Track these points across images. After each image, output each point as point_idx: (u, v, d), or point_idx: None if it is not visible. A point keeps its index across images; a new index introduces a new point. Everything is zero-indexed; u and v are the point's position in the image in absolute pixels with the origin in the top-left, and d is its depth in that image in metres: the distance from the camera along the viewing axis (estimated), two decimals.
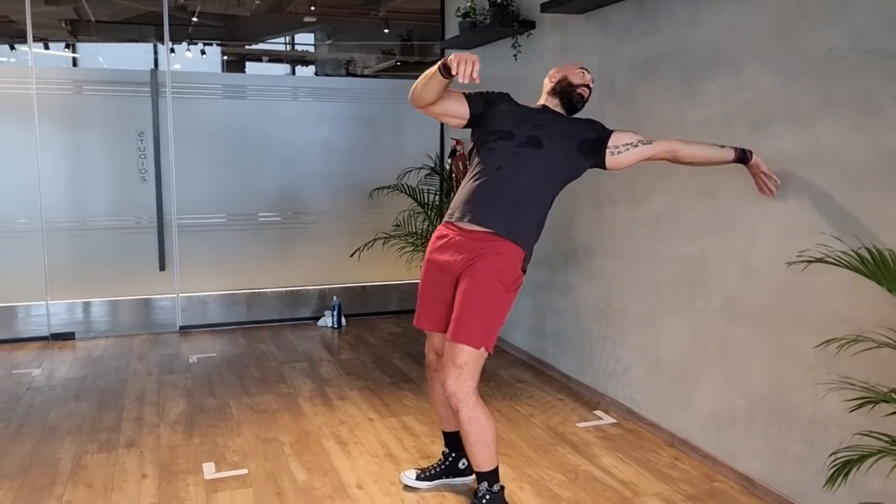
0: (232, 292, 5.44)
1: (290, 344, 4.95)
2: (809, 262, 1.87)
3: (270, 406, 3.73)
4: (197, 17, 9.15)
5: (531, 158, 2.52)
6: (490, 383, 4.11)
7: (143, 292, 5.14)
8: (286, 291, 5.55)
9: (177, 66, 11.81)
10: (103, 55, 10.31)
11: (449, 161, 5.01)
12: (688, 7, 3.06)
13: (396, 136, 5.54)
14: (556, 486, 2.86)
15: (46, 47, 10.96)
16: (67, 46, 10.53)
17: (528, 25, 4.25)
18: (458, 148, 5.12)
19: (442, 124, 5.70)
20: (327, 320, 5.39)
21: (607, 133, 2.62)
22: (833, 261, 1.77)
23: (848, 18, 2.36)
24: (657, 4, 3.25)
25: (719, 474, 2.96)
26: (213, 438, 3.30)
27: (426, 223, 4.38)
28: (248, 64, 12.19)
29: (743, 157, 2.62)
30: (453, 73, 2.30)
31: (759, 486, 2.78)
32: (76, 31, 9.16)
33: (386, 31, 9.61)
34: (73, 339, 4.98)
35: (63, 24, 8.62)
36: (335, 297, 5.38)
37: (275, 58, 12.66)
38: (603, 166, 2.62)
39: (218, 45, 11.27)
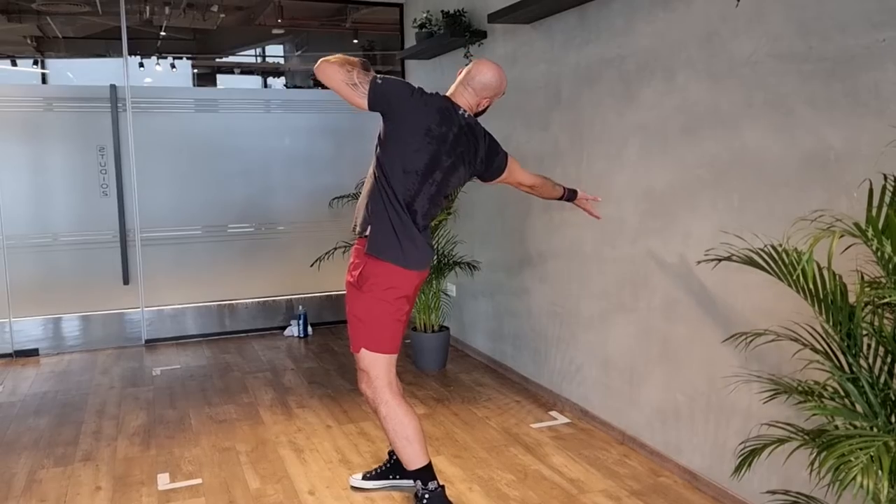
0: (198, 305, 5.45)
1: (255, 354, 4.99)
2: (717, 260, 1.95)
3: (230, 416, 3.76)
4: (165, 31, 9.15)
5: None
6: (450, 388, 4.17)
7: (108, 307, 5.15)
8: (253, 302, 5.59)
9: (148, 80, 11.79)
10: (73, 71, 10.28)
11: None
12: (624, 16, 3.16)
13: (361, 145, 5.60)
14: (505, 486, 2.93)
15: (14, 64, 10.91)
16: (35, 63, 10.49)
17: (480, 35, 4.33)
18: None
19: None
20: (293, 330, 5.42)
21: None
22: (737, 259, 1.85)
23: (764, 25, 2.45)
24: (597, 14, 3.34)
25: (665, 469, 3.04)
26: (170, 449, 3.33)
27: None
28: (219, 76, 12.16)
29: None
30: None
31: (702, 480, 2.85)
32: (42, 47, 9.14)
33: (355, 41, 9.67)
34: (38, 355, 4.99)
35: (28, 41, 8.61)
36: (300, 307, 5.42)
37: (246, 70, 12.67)
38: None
39: (188, 58, 11.25)
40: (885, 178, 1.66)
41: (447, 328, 4.60)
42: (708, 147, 2.73)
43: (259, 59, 11.90)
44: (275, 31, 9.55)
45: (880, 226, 1.57)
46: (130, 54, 11.24)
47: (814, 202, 2.32)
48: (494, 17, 3.83)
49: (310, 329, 5.46)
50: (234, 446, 3.36)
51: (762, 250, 1.89)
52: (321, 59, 2.46)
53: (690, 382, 2.91)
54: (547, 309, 3.92)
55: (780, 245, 1.79)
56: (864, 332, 1.70)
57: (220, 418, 3.73)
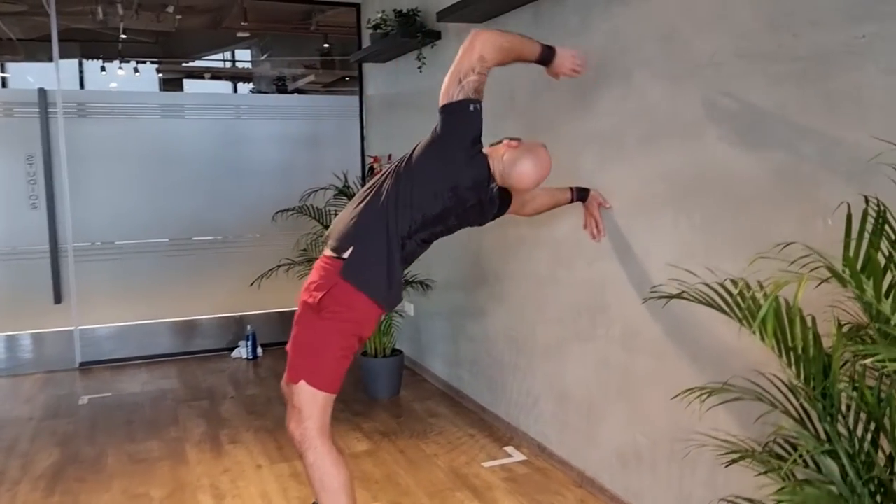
0: (139, 324, 5.09)
1: (196, 379, 4.63)
2: (667, 298, 1.63)
3: (152, 454, 3.40)
4: (125, 34, 8.79)
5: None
6: (400, 419, 3.83)
7: (38, 327, 4.78)
8: (200, 321, 5.23)
9: (113, 85, 11.43)
10: (33, 75, 9.88)
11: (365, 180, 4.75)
12: (579, 13, 2.84)
13: (318, 154, 5.26)
14: None
15: None
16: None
17: (433, 36, 4.01)
18: (375, 165, 4.87)
19: (363, 139, 5.45)
20: (241, 351, 5.07)
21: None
22: (689, 297, 1.54)
23: (728, 20, 2.14)
24: (551, 11, 3.02)
25: None
26: (77, 496, 2.97)
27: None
28: (187, 82, 11.80)
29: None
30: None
31: None
32: None
33: (326, 45, 9.35)
34: None
35: None
36: (248, 327, 5.07)
37: (216, 75, 12.31)
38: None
39: (152, 62, 10.89)
40: (867, 201, 1.34)
41: (400, 352, 4.26)
42: (668, 158, 2.41)
43: (227, 64, 11.52)
44: (240, 35, 9.22)
45: (859, 263, 1.25)
46: (89, 58, 10.86)
47: (786, 223, 2.00)
48: (444, 15, 3.51)
49: (259, 350, 5.11)
50: (149, 492, 3.00)
51: (721, 285, 1.57)
52: (488, 30, 2.31)
53: (652, 423, 2.59)
54: (503, 333, 3.59)
55: (740, 282, 1.47)
56: (843, 389, 1.39)
57: (141, 457, 3.37)
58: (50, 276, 4.72)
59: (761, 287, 1.68)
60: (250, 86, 11.53)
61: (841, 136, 1.83)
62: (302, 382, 2.24)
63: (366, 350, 4.17)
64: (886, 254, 1.35)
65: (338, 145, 5.43)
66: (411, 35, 3.99)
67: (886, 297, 1.23)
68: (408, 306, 4.70)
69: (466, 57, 2.25)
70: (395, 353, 4.22)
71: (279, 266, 4.17)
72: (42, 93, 4.64)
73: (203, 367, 4.92)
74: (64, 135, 4.66)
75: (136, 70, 10.75)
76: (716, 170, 2.23)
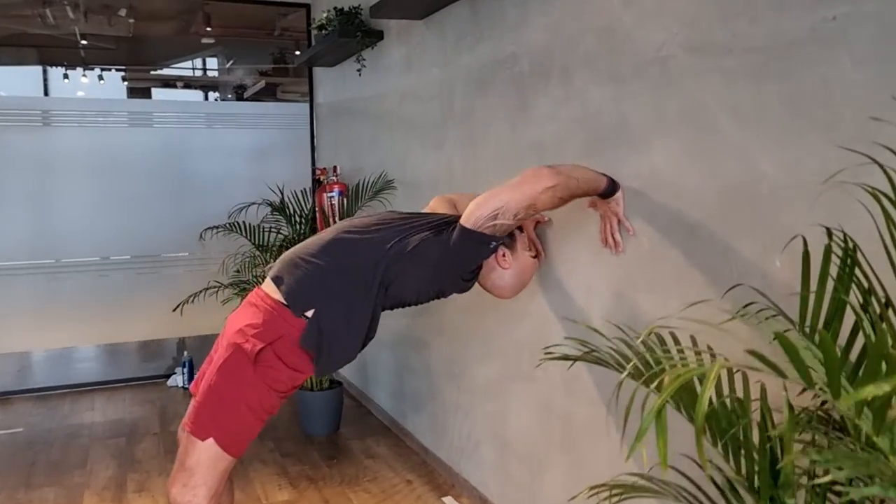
0: (66, 349, 4.68)
1: (120, 412, 4.22)
2: (561, 359, 1.26)
3: None
4: (84, 39, 8.41)
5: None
6: (334, 460, 3.43)
7: None
8: (133, 345, 4.82)
9: (80, 94, 11.02)
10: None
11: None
12: (517, 6, 2.47)
13: (266, 165, 4.87)
14: None
15: None
16: None
17: (375, 36, 3.64)
18: (322, 178, 4.48)
19: (313, 149, 5.07)
20: (177, 379, 4.66)
21: None
22: (592, 359, 1.17)
23: (675, 4, 1.77)
24: (489, 5, 2.65)
25: None
26: None
27: (263, 267, 3.71)
28: (157, 90, 11.41)
29: (612, 189, 1.99)
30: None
31: None
32: None
33: (297, 52, 8.96)
34: None
35: None
36: (185, 353, 4.66)
37: (188, 84, 11.93)
38: (459, 230, 2.13)
39: (117, 70, 10.50)
40: (830, 234, 0.96)
41: (339, 384, 3.86)
42: (612, 171, 2.04)
43: (196, 72, 11.16)
44: (205, 41, 8.86)
45: (821, 320, 0.87)
46: (49, 65, 10.45)
47: (741, 254, 1.63)
48: (378, 10, 3.14)
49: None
50: None
51: (645, 343, 1.20)
52: (560, 173, 1.88)
53: (597, 480, 2.20)
54: (445, 369, 3.20)
55: (651, 344, 1.09)
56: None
57: None
58: None
59: (694, 345, 1.32)
60: (216, 94, 11.13)
61: (805, 145, 1.46)
62: (210, 441, 1.85)
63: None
64: (858, 306, 0.98)
65: (288, 156, 5.04)
66: (350, 34, 3.62)
67: (851, 379, 0.85)
68: None
69: (518, 197, 1.90)
70: (335, 385, 3.82)
71: (206, 289, 3.77)
72: None
73: (134, 396, 4.51)
74: None
75: (100, 77, 10.34)
76: (663, 187, 1.86)
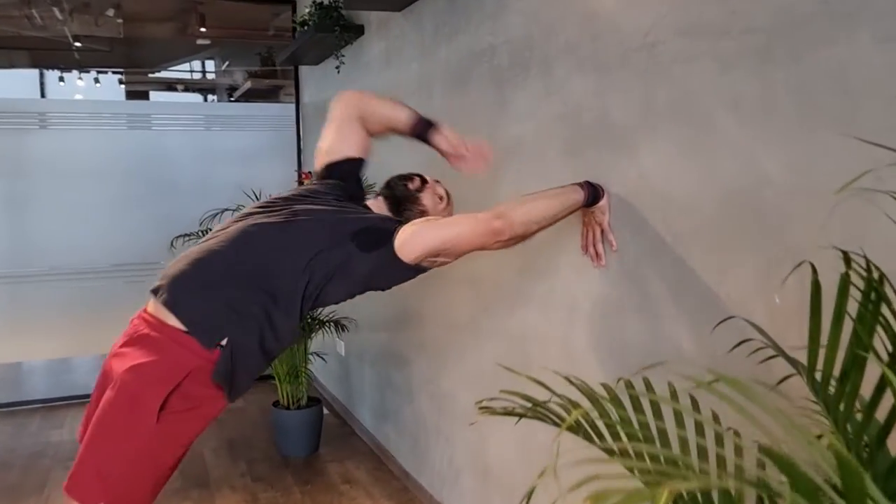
0: (46, 361, 4.47)
1: None
2: (504, 415, 1.02)
3: None
4: (77, 41, 8.23)
5: (267, 232, 1.79)
6: (307, 487, 3.18)
7: None
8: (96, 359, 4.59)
9: (78, 97, 10.87)
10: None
11: None
12: None
13: (249, 169, 4.64)
14: None
15: None
16: None
17: (355, 31, 3.40)
18: (306, 182, 4.24)
19: (300, 152, 4.84)
20: None
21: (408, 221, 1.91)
22: (537, 416, 0.93)
23: None
24: None
25: None
26: None
27: None
28: (155, 94, 11.25)
29: (594, 196, 1.73)
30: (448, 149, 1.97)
31: None
32: None
33: (266, 51, 8.75)
34: None
35: None
36: None
37: (191, 86, 11.77)
38: (391, 256, 1.82)
39: (114, 73, 10.33)
40: (848, 260, 0.71)
41: (318, 401, 3.62)
42: (595, 175, 1.79)
43: (194, 75, 10.99)
44: (200, 42, 8.68)
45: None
46: (46, 67, 10.30)
47: (738, 275, 1.38)
48: (353, 2, 2.90)
49: None
50: None
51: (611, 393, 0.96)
52: (505, 223, 1.68)
53: None
54: (426, 388, 2.95)
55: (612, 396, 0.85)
56: None
57: None
58: None
59: (673, 394, 1.08)
60: (214, 97, 10.96)
61: (817, 140, 1.21)
62: None
63: (277, 400, 3.54)
64: (886, 356, 0.72)
65: (274, 158, 4.80)
66: (327, 29, 3.38)
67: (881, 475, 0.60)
68: (339, 344, 4.07)
69: (469, 241, 1.71)
70: (313, 402, 3.58)
71: None
72: None
73: None
74: None
75: (96, 80, 10.19)
76: (651, 194, 1.61)
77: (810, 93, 1.22)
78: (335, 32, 3.38)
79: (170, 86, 11.56)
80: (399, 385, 3.24)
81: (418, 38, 2.81)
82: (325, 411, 4.12)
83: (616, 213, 1.72)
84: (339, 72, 3.53)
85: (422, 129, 1.95)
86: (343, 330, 3.52)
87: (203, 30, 8.22)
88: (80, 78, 10.04)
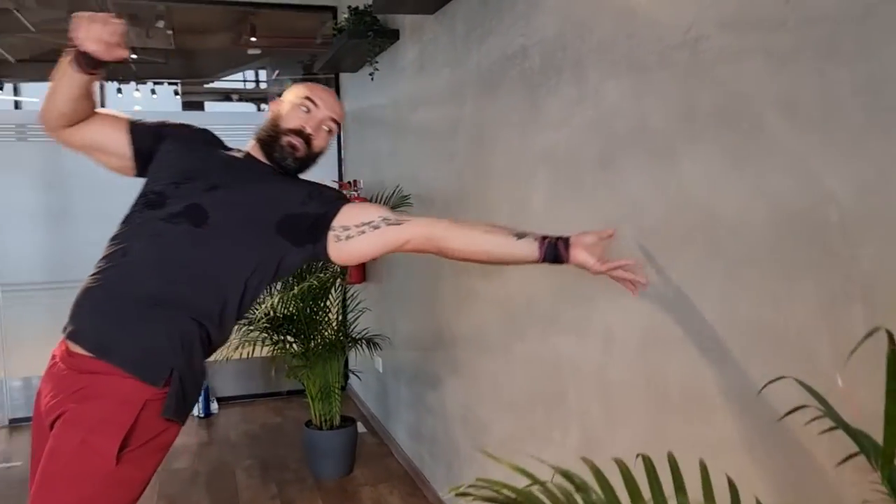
0: None
1: None
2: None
3: None
4: (135, 54, 8.38)
5: (180, 243, 1.53)
6: None
7: None
8: None
9: (137, 108, 11.09)
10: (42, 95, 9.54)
11: None
12: None
13: None
14: None
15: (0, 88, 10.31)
16: (0, 88, 9.86)
17: (389, 35, 3.27)
18: (346, 192, 4.14)
19: (340, 162, 4.74)
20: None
21: (335, 206, 1.60)
22: None
23: None
24: None
25: None
26: None
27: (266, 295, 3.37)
28: (209, 104, 11.40)
29: (554, 253, 1.47)
30: (80, 43, 1.41)
31: None
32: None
33: (310, 59, 8.71)
34: None
35: None
36: None
37: (245, 97, 11.90)
38: (324, 257, 1.61)
39: (169, 83, 10.50)
40: None
41: (352, 421, 3.48)
42: (632, 189, 1.60)
43: (248, 84, 11.11)
44: (251, 52, 8.73)
45: None
46: (106, 80, 10.56)
47: (795, 313, 1.17)
48: (383, 6, 2.76)
49: (214, 405, 4.42)
50: None
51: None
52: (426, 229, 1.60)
53: None
54: (459, 413, 2.78)
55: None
56: None
57: None
58: None
59: (704, 471, 0.91)
60: (267, 106, 11.04)
61: (892, 152, 1.00)
62: None
63: (310, 420, 3.42)
64: None
65: (316, 168, 4.71)
66: (360, 35, 3.26)
67: None
68: (376, 360, 3.93)
69: (403, 244, 1.59)
70: (347, 422, 3.45)
71: None
72: None
73: None
74: None
75: (153, 92, 10.36)
76: (693, 209, 1.41)
77: (882, 94, 1.01)
78: (369, 38, 3.25)
79: (227, 96, 11.72)
80: (433, 407, 3.07)
81: (450, 42, 2.65)
82: (363, 429, 3.99)
83: (655, 232, 1.52)
84: (372, 78, 3.40)
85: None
86: (376, 348, 3.38)
87: (253, 39, 8.25)
88: (137, 90, 10.26)
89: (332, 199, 1.63)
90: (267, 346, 3.24)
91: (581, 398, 1.87)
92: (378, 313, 3.82)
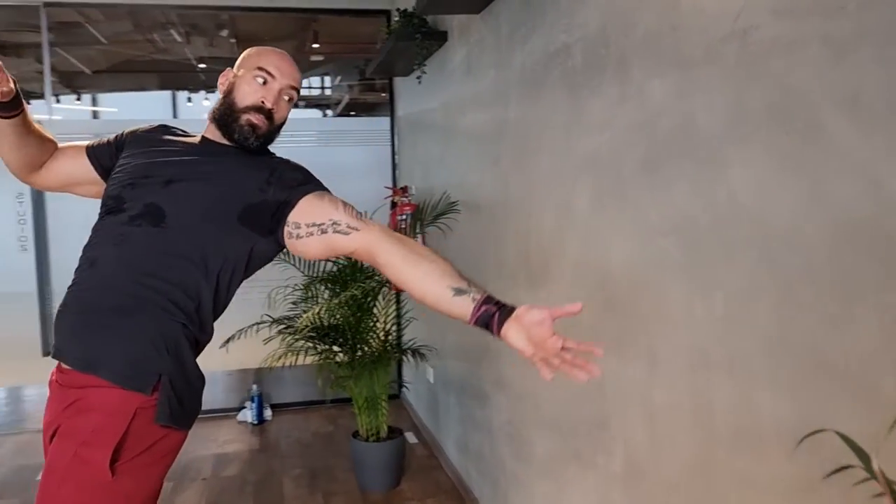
0: None
1: (184, 448, 3.97)
2: None
3: None
4: (203, 63, 8.59)
5: (143, 244, 1.46)
6: None
7: (22, 381, 4.34)
8: (218, 374, 4.59)
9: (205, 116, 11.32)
10: (120, 105, 9.95)
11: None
12: None
13: (343, 186, 4.53)
14: None
15: (78, 98, 10.74)
16: (78, 98, 10.25)
17: (437, 37, 3.18)
18: (396, 199, 4.07)
19: (394, 168, 4.68)
20: (247, 414, 4.39)
21: (295, 195, 1.50)
22: None
23: None
24: None
25: None
26: None
27: (310, 303, 3.32)
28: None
29: (487, 323, 1.30)
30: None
31: None
32: (72, 82, 8.82)
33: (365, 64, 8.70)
34: None
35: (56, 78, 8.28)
36: (254, 386, 4.38)
37: (312, 103, 12.05)
38: (282, 246, 1.54)
39: None
40: None
41: (399, 433, 3.40)
42: (677, 197, 1.46)
43: (313, 91, 11.25)
44: (313, 59, 8.82)
45: None
46: (170, 89, 10.83)
47: (860, 328, 1.02)
48: (426, 5, 2.68)
49: (267, 412, 4.41)
50: None
51: None
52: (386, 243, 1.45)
53: None
54: (504, 429, 2.66)
55: None
56: None
57: None
58: (39, 327, 4.25)
59: None
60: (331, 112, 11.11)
61: None
62: None
63: (356, 430, 3.35)
64: None
65: (368, 174, 4.67)
66: (408, 37, 3.18)
67: None
68: (427, 370, 3.84)
69: (352, 250, 1.48)
70: (394, 433, 3.37)
71: (258, 324, 3.44)
72: None
73: (205, 429, 4.27)
74: None
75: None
76: (743, 219, 1.26)
77: None
78: (416, 40, 3.17)
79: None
80: (480, 421, 2.96)
81: (495, 42, 2.54)
82: (414, 439, 3.92)
83: (703, 243, 1.38)
84: (419, 81, 3.32)
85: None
86: (421, 358, 3.29)
87: (316, 46, 8.33)
88: (206, 98, 10.51)
89: (292, 185, 1.51)
90: (310, 355, 3.19)
91: (624, 422, 1.73)
92: (429, 322, 3.73)
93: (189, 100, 10.87)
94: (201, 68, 9.17)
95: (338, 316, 3.13)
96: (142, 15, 5.32)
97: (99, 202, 1.60)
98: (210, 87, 10.37)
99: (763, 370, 1.23)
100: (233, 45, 7.16)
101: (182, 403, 1.40)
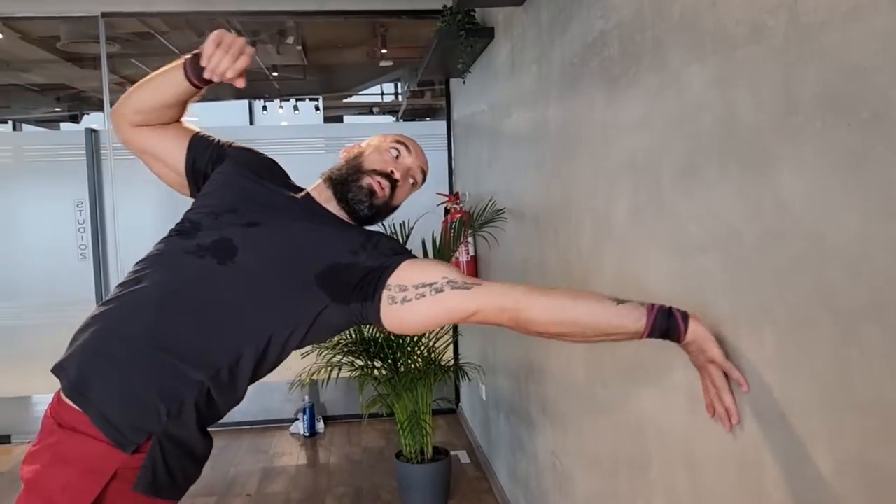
0: None
1: (232, 460, 3.91)
2: None
3: None
4: (276, 72, 8.68)
5: (195, 279, 1.30)
6: None
7: None
8: (276, 384, 4.52)
9: (284, 124, 11.54)
10: (198, 114, 10.15)
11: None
12: None
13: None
14: None
15: None
16: None
17: (483, 35, 2.98)
18: (450, 206, 3.89)
19: (451, 173, 4.50)
20: (299, 426, 4.29)
21: (394, 261, 1.31)
22: None
23: None
24: None
25: None
26: None
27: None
28: (348, 117, 11.65)
29: (666, 326, 1.18)
30: (203, 63, 1.28)
31: None
32: None
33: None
34: (9, 442, 4.30)
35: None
36: (306, 398, 4.28)
37: (385, 109, 12.08)
38: (375, 321, 1.31)
39: (310, 99, 10.80)
40: None
41: (445, 453, 3.20)
42: (718, 205, 1.21)
43: (384, 97, 11.20)
44: (383, 65, 8.76)
45: None
46: (252, 97, 11.01)
47: None
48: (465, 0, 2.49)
49: (320, 424, 4.31)
50: None
51: None
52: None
53: None
54: (548, 459, 2.44)
55: None
56: None
57: None
58: None
59: None
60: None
61: None
62: None
63: (400, 451, 3.18)
64: None
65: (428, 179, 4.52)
66: (452, 36, 2.99)
67: None
68: (480, 388, 3.64)
69: (470, 314, 1.29)
70: (440, 454, 3.18)
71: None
72: (90, 134, 4.24)
73: (256, 441, 4.21)
74: (114, 178, 4.23)
75: (295, 108, 10.69)
76: (795, 234, 1.01)
77: None
78: (461, 37, 2.98)
79: (368, 109, 11.92)
80: (527, 447, 2.74)
81: (536, 35, 2.33)
82: (467, 459, 3.72)
83: (748, 263, 1.13)
84: (464, 82, 3.14)
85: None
86: (465, 377, 3.10)
87: (384, 51, 8.27)
88: (280, 106, 10.63)
89: (391, 253, 1.34)
90: (348, 371, 3.05)
91: (665, 467, 1.49)
92: (482, 338, 3.54)
93: (265, 108, 11.09)
94: (274, 76, 9.28)
95: (376, 331, 2.98)
96: (203, 24, 5.32)
97: (162, 191, 1.48)
98: (284, 96, 10.52)
99: (821, 427, 0.97)
100: (300, 52, 7.16)
101: (171, 473, 1.23)
